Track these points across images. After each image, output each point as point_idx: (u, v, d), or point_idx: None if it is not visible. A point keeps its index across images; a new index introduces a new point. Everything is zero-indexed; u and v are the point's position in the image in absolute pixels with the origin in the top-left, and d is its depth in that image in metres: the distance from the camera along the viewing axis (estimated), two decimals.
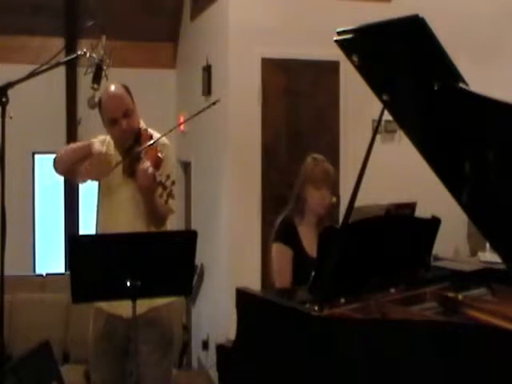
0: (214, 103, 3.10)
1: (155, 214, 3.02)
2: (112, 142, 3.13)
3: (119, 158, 3.05)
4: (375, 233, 2.66)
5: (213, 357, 3.47)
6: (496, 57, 5.67)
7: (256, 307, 2.64)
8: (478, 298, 2.75)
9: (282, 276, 3.22)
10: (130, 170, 3.01)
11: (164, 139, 3.09)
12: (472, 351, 2.11)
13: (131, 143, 3.00)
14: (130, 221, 3.04)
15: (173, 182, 2.83)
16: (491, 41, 5.66)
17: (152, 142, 2.94)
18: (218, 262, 5.62)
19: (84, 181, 3.08)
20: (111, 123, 3.02)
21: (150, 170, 2.83)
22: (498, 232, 2.67)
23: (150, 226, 3.06)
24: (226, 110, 5.28)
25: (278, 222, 3.34)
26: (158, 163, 2.90)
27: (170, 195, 2.82)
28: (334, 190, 3.45)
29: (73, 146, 3.22)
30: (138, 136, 3.01)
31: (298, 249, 3.24)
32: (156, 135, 3.06)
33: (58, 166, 3.13)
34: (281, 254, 3.25)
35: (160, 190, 2.81)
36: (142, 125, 3.09)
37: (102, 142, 3.13)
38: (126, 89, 3.07)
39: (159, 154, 2.92)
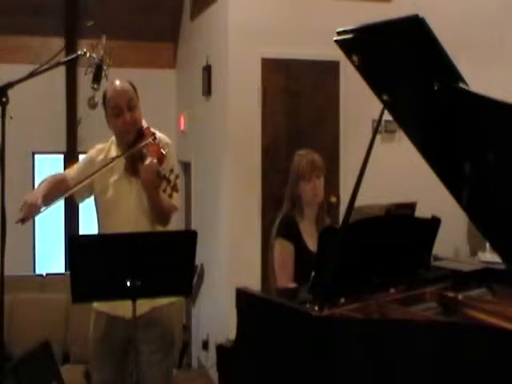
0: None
1: (160, 211, 3.02)
2: (113, 146, 3.14)
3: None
4: (375, 233, 2.66)
5: (213, 357, 3.47)
6: (496, 57, 5.67)
7: (256, 307, 2.64)
8: (478, 298, 2.75)
9: (285, 271, 3.22)
10: (133, 168, 3.02)
11: (166, 138, 3.12)
12: (472, 351, 2.11)
13: (133, 141, 3.00)
14: (134, 220, 3.04)
15: (177, 176, 2.85)
16: (491, 41, 5.67)
17: (154, 137, 2.97)
18: (218, 262, 5.62)
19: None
20: (115, 115, 3.03)
21: (155, 164, 2.85)
22: (498, 232, 2.67)
23: (155, 226, 3.06)
24: (225, 111, 5.29)
25: (278, 220, 3.37)
26: (161, 159, 2.92)
27: (174, 189, 2.82)
28: (334, 189, 3.45)
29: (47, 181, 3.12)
30: (141, 134, 3.02)
31: (299, 244, 3.27)
32: (158, 135, 3.06)
33: None
34: (283, 249, 3.26)
35: (164, 184, 2.82)
36: (145, 124, 3.10)
37: (100, 150, 3.16)
38: (131, 84, 3.11)
39: (162, 150, 2.94)
